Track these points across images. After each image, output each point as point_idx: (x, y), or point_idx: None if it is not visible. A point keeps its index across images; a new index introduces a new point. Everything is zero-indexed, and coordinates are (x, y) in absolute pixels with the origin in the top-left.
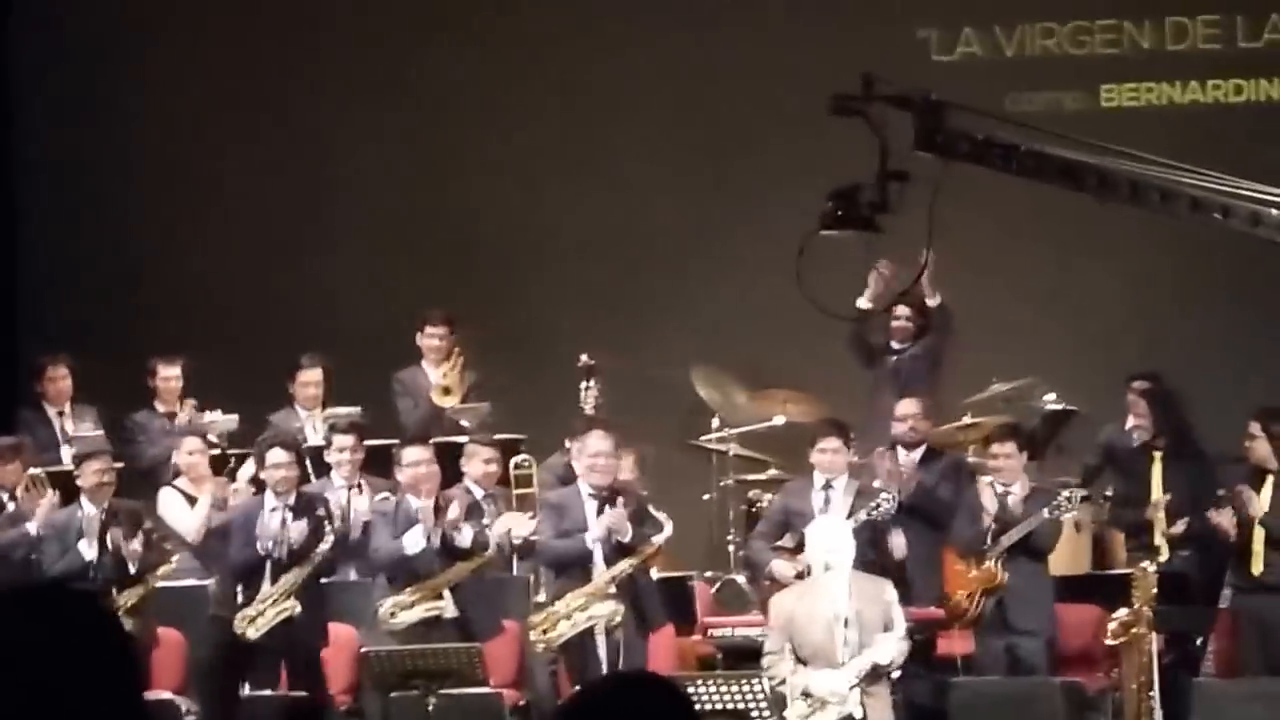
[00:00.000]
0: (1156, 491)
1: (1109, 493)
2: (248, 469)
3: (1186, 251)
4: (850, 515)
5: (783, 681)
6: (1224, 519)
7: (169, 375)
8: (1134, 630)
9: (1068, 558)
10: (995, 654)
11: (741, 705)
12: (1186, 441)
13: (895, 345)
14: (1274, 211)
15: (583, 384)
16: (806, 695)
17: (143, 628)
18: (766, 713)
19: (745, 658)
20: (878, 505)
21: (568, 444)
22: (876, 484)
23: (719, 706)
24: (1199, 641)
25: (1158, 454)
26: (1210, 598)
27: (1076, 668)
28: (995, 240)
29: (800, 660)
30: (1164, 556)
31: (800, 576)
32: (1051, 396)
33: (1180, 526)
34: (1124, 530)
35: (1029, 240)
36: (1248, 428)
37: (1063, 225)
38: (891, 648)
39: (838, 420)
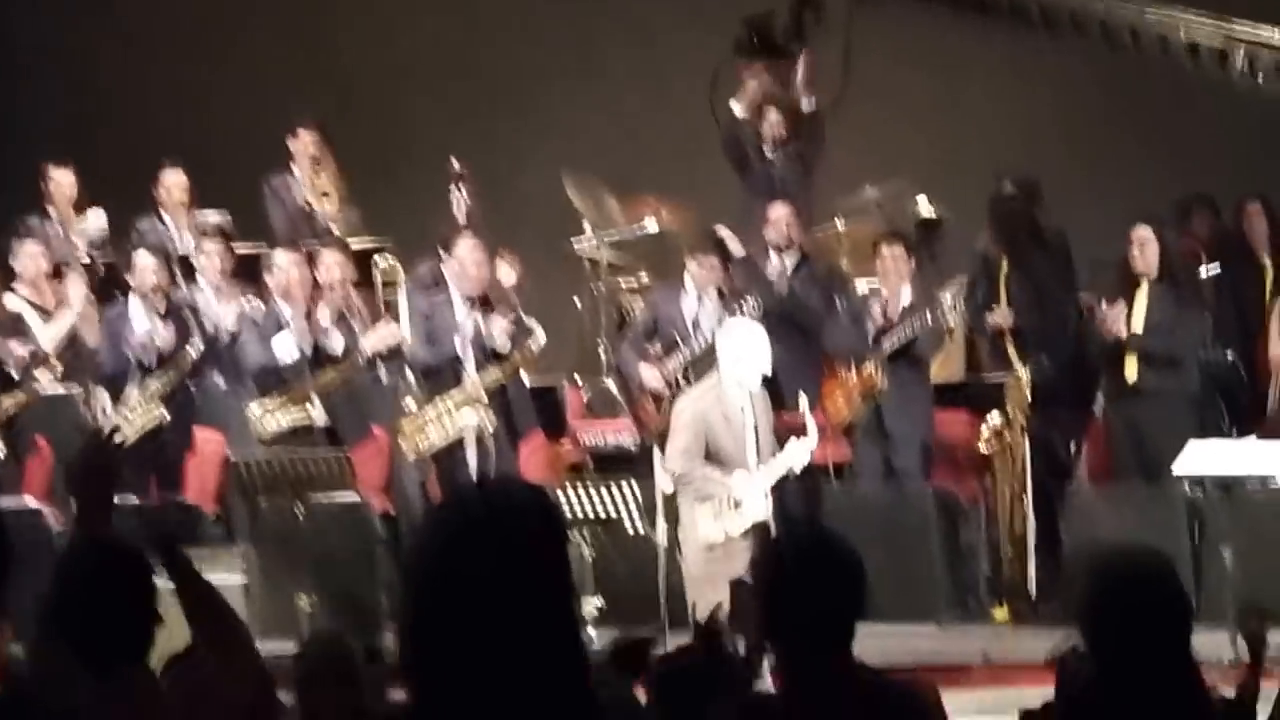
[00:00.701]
0: (1002, 301)
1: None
2: (78, 283)
3: (1068, 73)
4: (720, 321)
5: (685, 481)
6: (1113, 316)
7: (60, 180)
8: (1006, 438)
9: (942, 364)
10: (872, 463)
11: (613, 512)
12: (1033, 250)
13: (767, 151)
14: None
15: (452, 190)
16: (717, 498)
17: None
18: (636, 518)
19: (615, 463)
20: (741, 308)
21: (440, 251)
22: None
23: (589, 514)
24: (1071, 448)
25: (1004, 260)
26: (1082, 404)
27: (950, 475)
28: (880, 58)
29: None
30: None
31: (671, 385)
32: (922, 199)
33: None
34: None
35: (912, 60)
36: (1133, 232)
37: (950, 48)
38: (804, 454)
39: (721, 238)
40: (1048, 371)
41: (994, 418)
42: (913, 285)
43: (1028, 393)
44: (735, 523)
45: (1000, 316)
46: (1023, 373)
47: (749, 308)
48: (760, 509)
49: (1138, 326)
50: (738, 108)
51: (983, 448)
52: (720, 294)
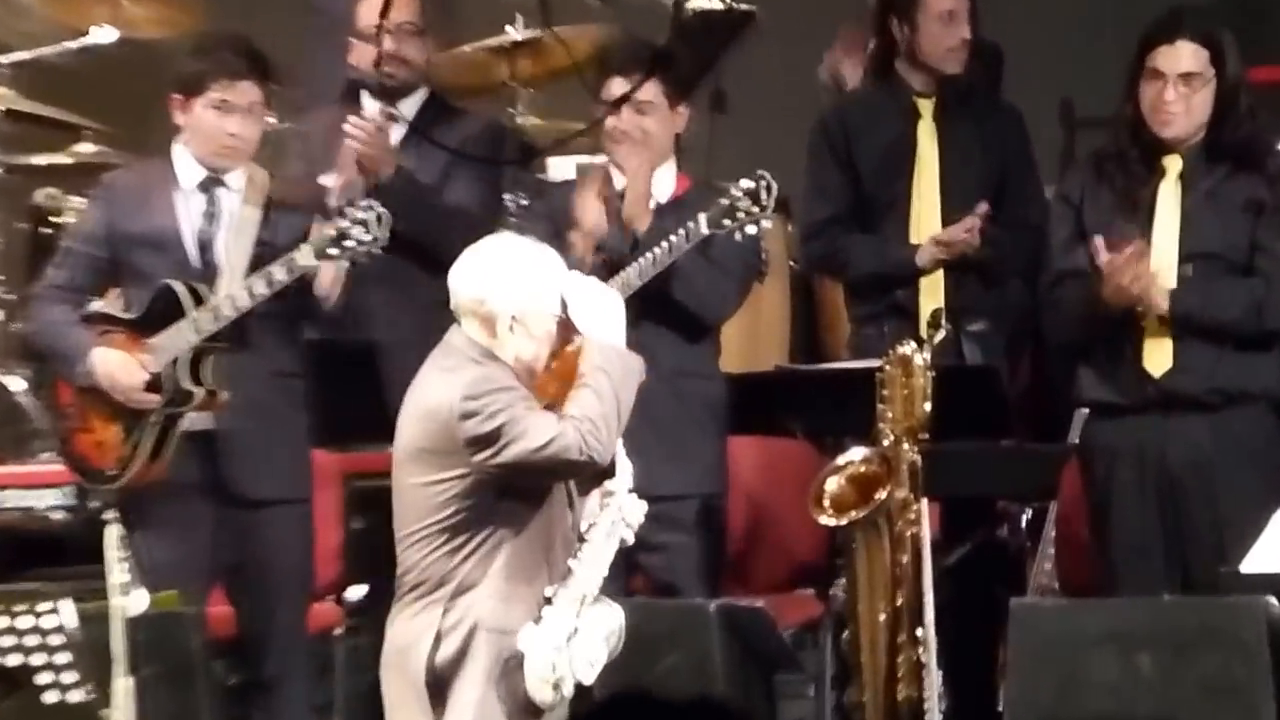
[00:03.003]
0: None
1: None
2: None
3: None
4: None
5: None
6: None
7: None
8: (881, 497)
9: (744, 333)
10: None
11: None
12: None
13: None
14: None
15: None
16: None
17: None
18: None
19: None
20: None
21: None
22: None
23: None
24: (1024, 518)
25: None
26: (1045, 424)
27: (758, 576)
28: None
29: None
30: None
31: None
32: None
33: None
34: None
35: None
36: (1158, 54)
37: None
38: None
39: (252, 50)
40: (987, 345)
41: (855, 452)
42: (679, 166)
43: (925, 397)
44: None
45: (930, 253)
46: (916, 350)
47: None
48: None
49: (1164, 253)
50: None
51: (827, 518)
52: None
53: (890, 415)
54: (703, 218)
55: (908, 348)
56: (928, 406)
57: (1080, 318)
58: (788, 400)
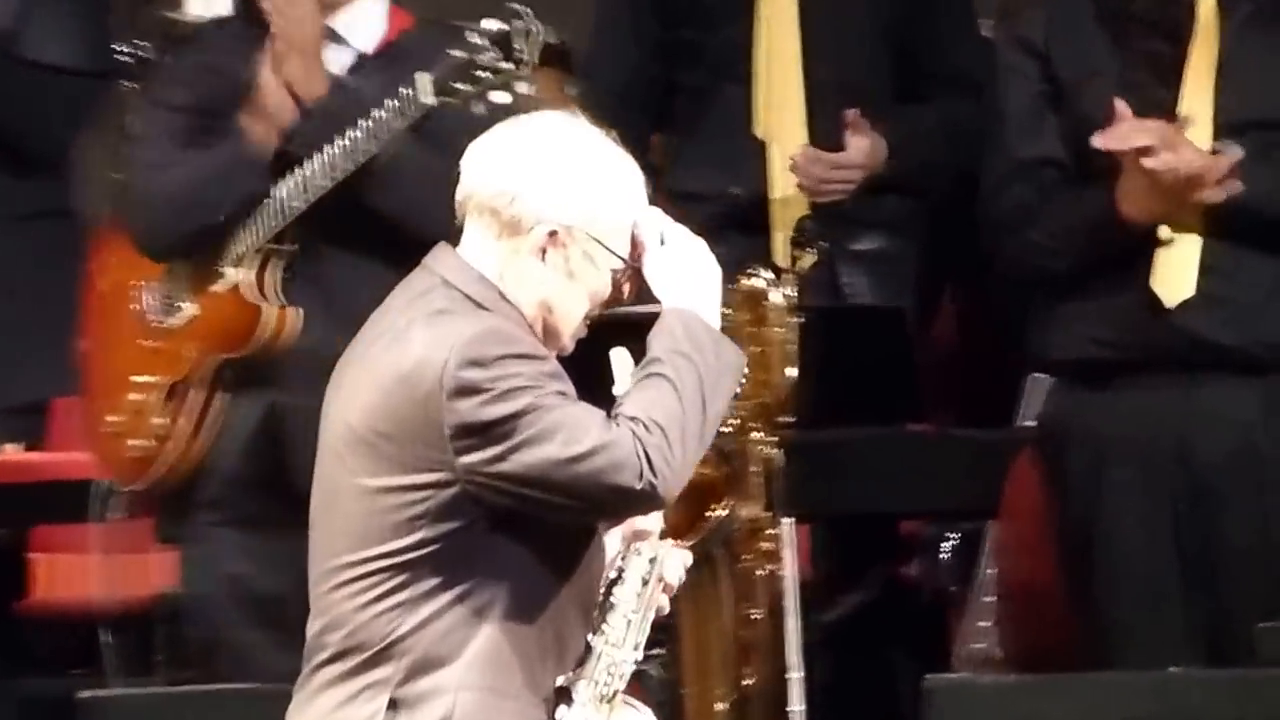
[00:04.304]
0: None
1: None
2: None
3: None
4: None
5: None
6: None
7: None
8: (717, 516)
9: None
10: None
11: None
12: None
13: None
14: None
15: None
16: None
17: None
18: None
19: None
20: None
21: None
22: None
23: None
24: (946, 548)
25: None
26: (993, 412)
27: None
28: None
29: None
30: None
31: None
32: None
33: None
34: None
35: None
36: None
37: None
38: None
39: None
40: (885, 274)
41: None
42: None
43: (788, 358)
44: None
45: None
46: (776, 291)
47: None
48: None
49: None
50: None
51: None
52: None
53: None
54: (424, 79)
55: (758, 279)
56: (791, 372)
57: (1058, 234)
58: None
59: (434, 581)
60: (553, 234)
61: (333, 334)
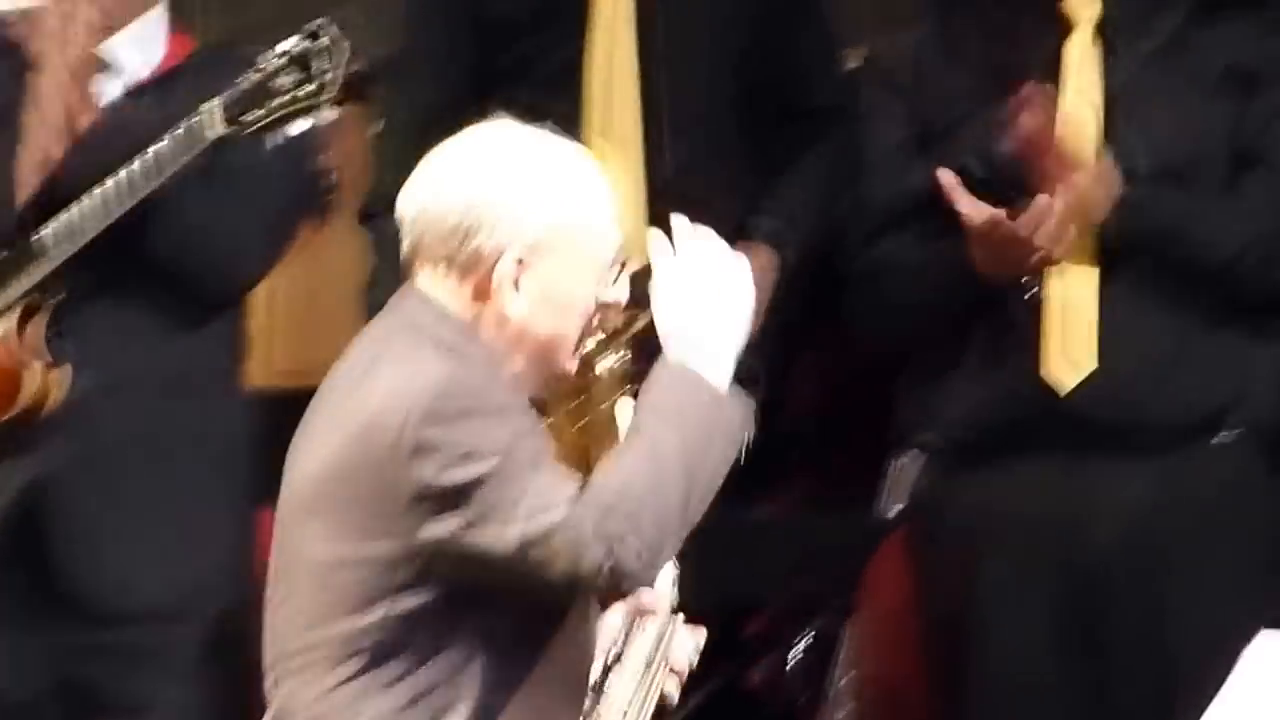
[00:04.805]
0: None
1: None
2: None
3: None
4: None
5: None
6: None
7: None
8: None
9: (293, 314)
10: None
11: None
12: None
13: None
14: None
15: None
16: None
17: None
18: None
19: None
20: None
21: None
22: None
23: None
24: (796, 650)
25: None
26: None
27: None
28: None
29: None
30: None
31: None
32: None
33: None
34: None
35: None
36: None
37: None
38: None
39: None
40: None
41: None
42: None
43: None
44: None
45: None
46: (604, 357)
47: None
48: None
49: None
50: None
51: None
52: None
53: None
54: (212, 107)
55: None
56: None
57: (928, 294)
58: None
59: (396, 665)
60: (519, 261)
61: (104, 396)
